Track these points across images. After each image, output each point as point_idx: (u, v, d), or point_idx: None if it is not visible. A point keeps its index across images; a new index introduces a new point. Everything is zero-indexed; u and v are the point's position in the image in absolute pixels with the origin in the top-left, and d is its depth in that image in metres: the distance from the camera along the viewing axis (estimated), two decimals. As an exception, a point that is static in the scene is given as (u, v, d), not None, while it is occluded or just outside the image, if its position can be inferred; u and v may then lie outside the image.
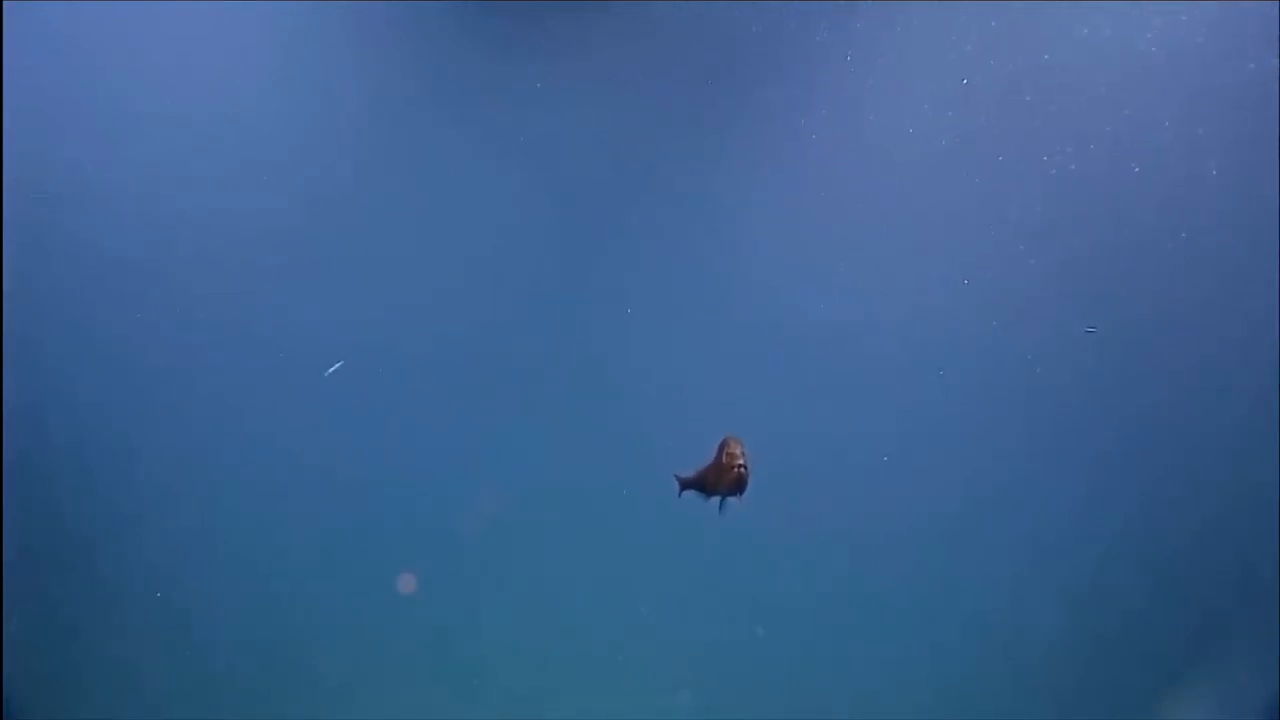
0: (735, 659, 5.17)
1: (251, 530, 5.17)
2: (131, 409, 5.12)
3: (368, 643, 5.19)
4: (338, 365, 4.61)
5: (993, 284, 4.99)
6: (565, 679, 5.20)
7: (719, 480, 3.16)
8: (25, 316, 4.96)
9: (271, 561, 5.18)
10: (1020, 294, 4.96)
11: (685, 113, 5.12)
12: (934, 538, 5.07)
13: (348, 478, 5.19)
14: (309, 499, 5.17)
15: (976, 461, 5.06)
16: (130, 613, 5.15)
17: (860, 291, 5.09)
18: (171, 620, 5.16)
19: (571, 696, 5.19)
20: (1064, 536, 5.02)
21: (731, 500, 3.18)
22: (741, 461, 3.10)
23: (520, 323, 5.22)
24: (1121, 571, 4.98)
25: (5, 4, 4.78)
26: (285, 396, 5.16)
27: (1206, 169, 4.71)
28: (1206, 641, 4.91)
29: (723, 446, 3.17)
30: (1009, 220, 4.95)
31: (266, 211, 5.11)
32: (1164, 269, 4.83)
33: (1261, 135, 4.58)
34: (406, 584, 5.13)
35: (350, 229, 5.17)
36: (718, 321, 5.17)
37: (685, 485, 3.41)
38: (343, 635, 5.19)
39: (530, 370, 5.21)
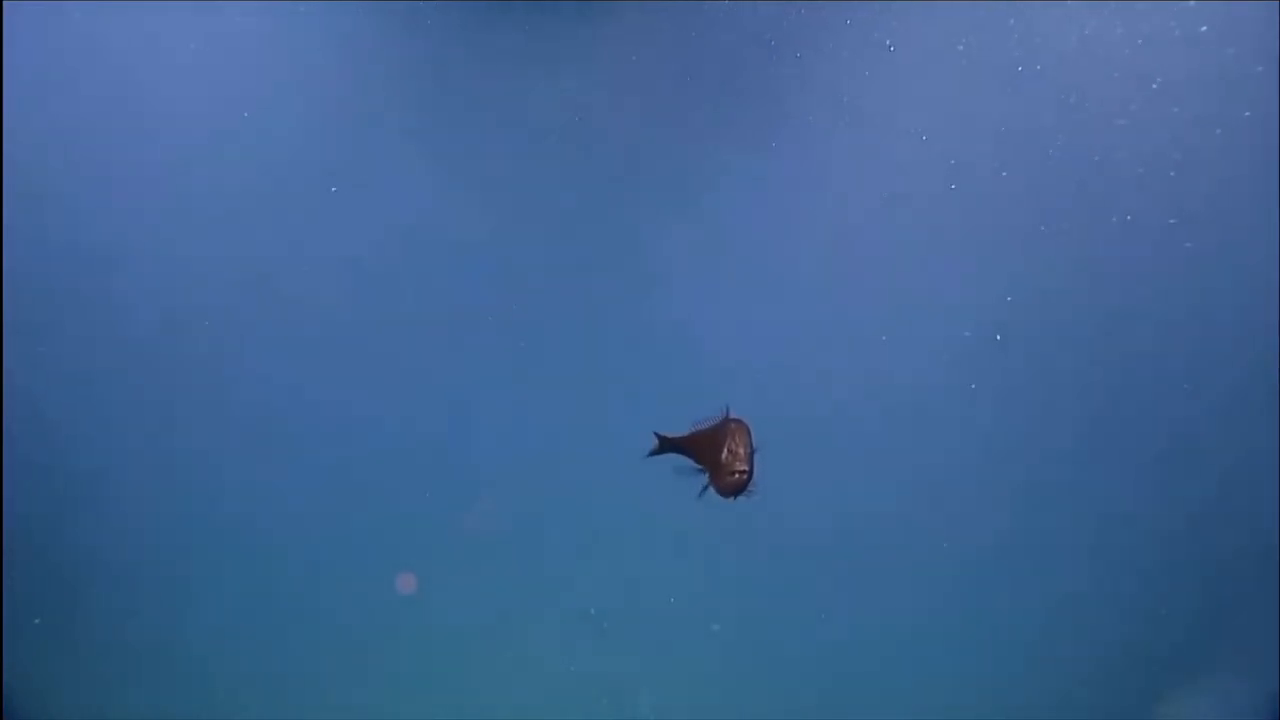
0: (738, 660, 5.17)
1: (252, 531, 5.17)
2: (131, 408, 5.13)
3: (367, 644, 5.19)
4: None
5: (993, 283, 4.99)
6: (563, 680, 5.20)
7: (714, 472, 2.67)
8: (23, 314, 4.98)
9: (272, 562, 5.18)
10: (1024, 293, 4.97)
11: (685, 113, 5.12)
12: (933, 539, 5.07)
13: (347, 476, 5.19)
14: (309, 499, 5.17)
15: (973, 462, 5.06)
16: (129, 613, 5.15)
17: (867, 291, 5.09)
18: (171, 620, 5.16)
19: (570, 697, 5.19)
20: (1060, 536, 5.02)
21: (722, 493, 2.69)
22: (743, 467, 2.61)
23: (520, 322, 5.22)
24: (1119, 571, 4.98)
25: (5, 4, 4.79)
26: (285, 396, 5.16)
27: (1208, 170, 4.72)
28: (1206, 641, 4.91)
29: (725, 433, 2.67)
30: (1010, 219, 4.95)
31: (268, 209, 5.12)
32: (1165, 269, 4.83)
33: (1261, 134, 4.59)
34: (406, 584, 5.12)
35: (348, 228, 5.18)
36: (717, 322, 5.16)
37: (665, 447, 2.86)
38: (343, 636, 5.19)
39: (529, 371, 5.21)
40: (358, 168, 5.12)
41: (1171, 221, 4.74)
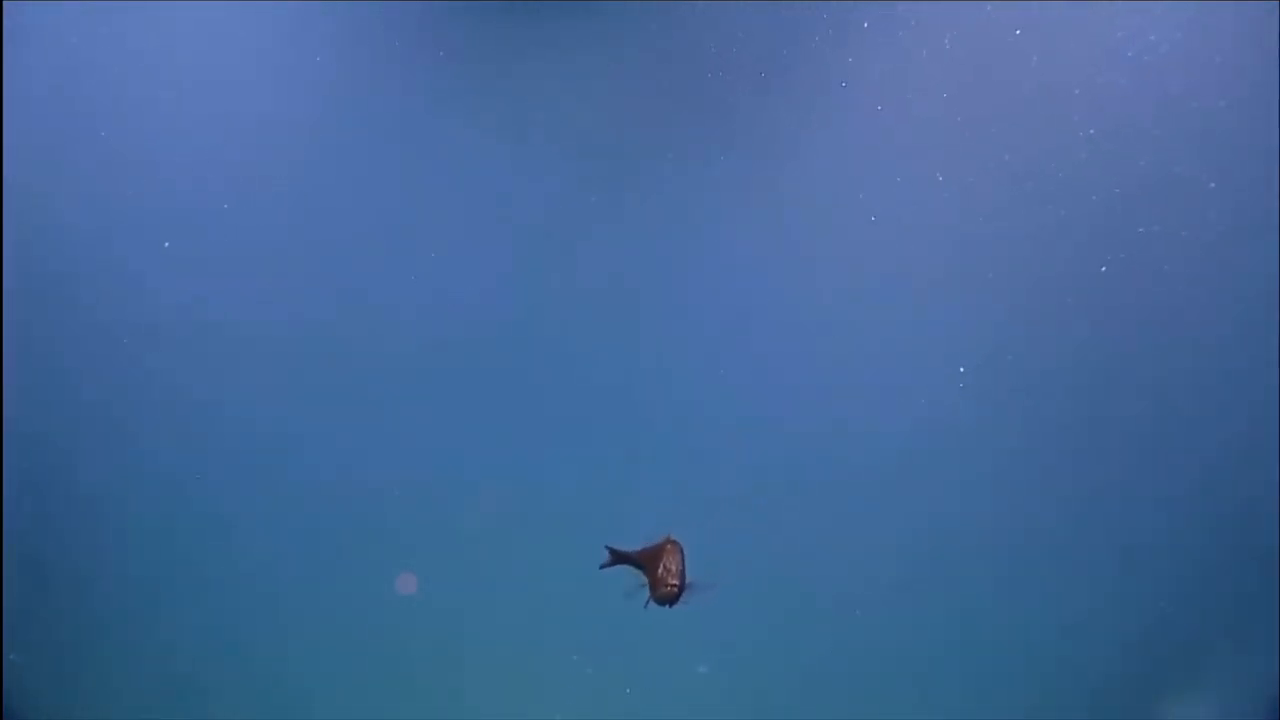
0: (740, 661, 5.18)
1: (251, 533, 5.18)
2: (130, 410, 5.14)
3: (366, 646, 5.20)
4: None
5: (991, 284, 4.99)
6: (561, 680, 5.20)
7: (651, 581, 3.19)
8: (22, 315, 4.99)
9: (271, 564, 5.18)
10: (1021, 294, 4.97)
11: (683, 114, 5.13)
12: (934, 540, 5.07)
13: (345, 478, 5.20)
14: (308, 501, 5.18)
15: (975, 463, 5.07)
16: (127, 614, 5.16)
17: (864, 293, 5.10)
18: (170, 621, 5.17)
19: (567, 698, 5.19)
20: (1060, 538, 5.02)
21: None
22: (675, 581, 3.13)
23: (519, 322, 5.23)
24: (1119, 573, 4.98)
25: (5, 4, 4.81)
26: (283, 397, 5.18)
27: (1209, 171, 4.72)
28: (1206, 641, 4.91)
29: (661, 552, 3.19)
30: (1008, 220, 4.95)
31: (272, 204, 5.14)
32: (1165, 271, 4.83)
33: (1262, 133, 4.59)
34: (405, 584, 5.13)
35: (343, 227, 5.19)
36: (714, 323, 5.17)
37: (615, 560, 3.37)
38: (342, 638, 5.19)
39: (527, 371, 5.22)
40: (341, 169, 5.14)
41: (1184, 233, 4.75)
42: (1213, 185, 4.65)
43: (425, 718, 5.13)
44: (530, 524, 5.10)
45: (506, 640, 5.16)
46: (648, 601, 3.20)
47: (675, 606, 3.16)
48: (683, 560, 3.17)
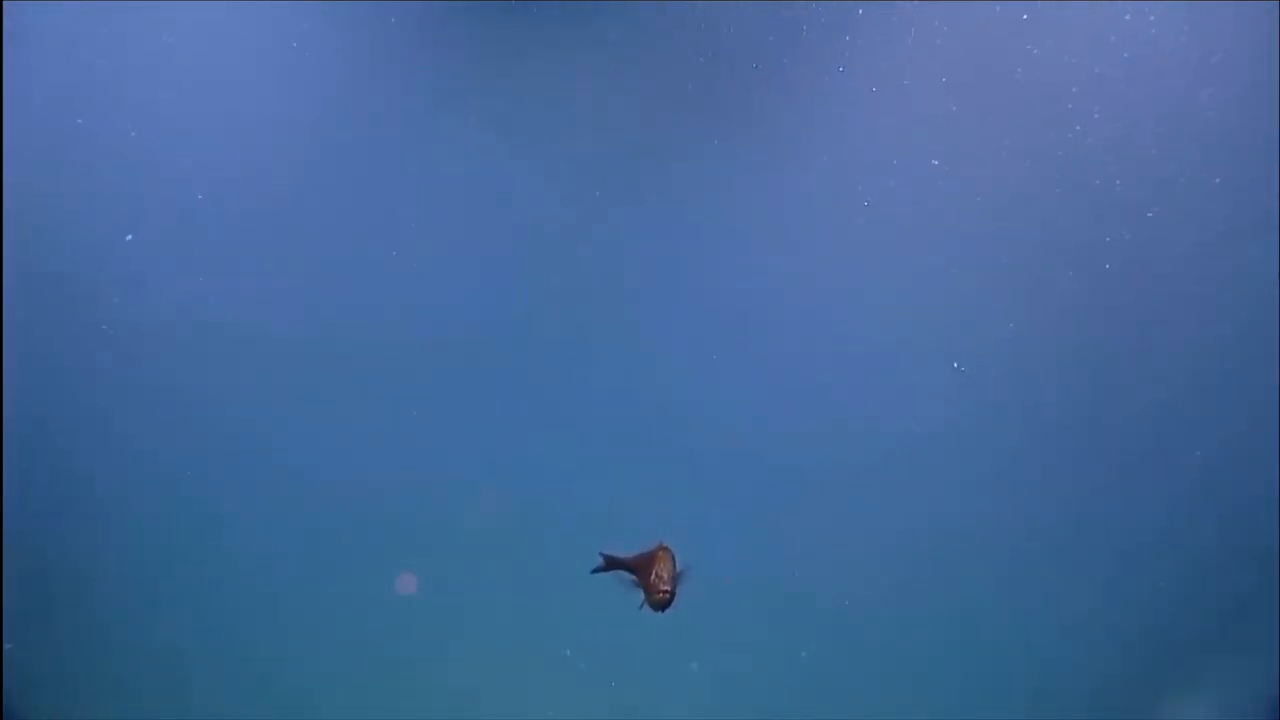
0: (739, 661, 5.17)
1: (250, 534, 5.17)
2: (130, 410, 5.13)
3: (365, 645, 5.20)
4: None
5: (990, 283, 4.99)
6: (558, 679, 5.20)
7: (644, 586, 3.25)
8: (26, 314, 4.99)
9: (270, 564, 5.18)
10: (1021, 293, 4.96)
11: (684, 113, 5.13)
12: (934, 540, 5.06)
13: (345, 478, 5.19)
14: (308, 501, 5.17)
15: (975, 463, 5.06)
16: (127, 614, 5.16)
17: (863, 292, 5.09)
18: (170, 621, 5.17)
19: (565, 696, 5.19)
20: (1060, 538, 5.01)
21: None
22: (667, 588, 3.19)
23: (519, 322, 5.22)
24: (1119, 573, 4.97)
25: (5, 4, 4.81)
26: (283, 397, 5.17)
27: (1208, 170, 4.71)
28: (1206, 641, 4.90)
29: (654, 559, 3.25)
30: (1008, 220, 4.95)
31: (272, 204, 5.13)
32: (1166, 270, 4.83)
33: (1262, 133, 4.59)
34: (405, 584, 5.13)
35: (343, 226, 5.19)
36: (712, 322, 5.17)
37: (609, 565, 3.43)
38: (341, 637, 5.19)
39: (527, 371, 5.21)
40: (341, 168, 5.14)
41: (1184, 233, 4.75)
42: (1217, 181, 4.65)
43: (423, 715, 5.13)
44: (529, 524, 5.09)
45: (505, 639, 5.15)
46: (642, 605, 3.26)
47: (667, 612, 3.22)
48: (675, 566, 3.22)
